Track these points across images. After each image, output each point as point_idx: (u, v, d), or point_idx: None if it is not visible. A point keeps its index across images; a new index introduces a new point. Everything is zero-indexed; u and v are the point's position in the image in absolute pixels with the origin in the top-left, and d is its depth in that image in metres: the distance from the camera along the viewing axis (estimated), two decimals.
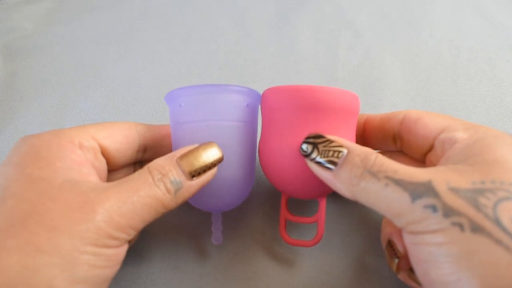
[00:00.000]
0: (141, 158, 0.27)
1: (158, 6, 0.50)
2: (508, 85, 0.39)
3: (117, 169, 0.26)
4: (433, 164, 0.24)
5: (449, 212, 0.17)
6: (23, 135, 0.37)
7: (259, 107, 0.27)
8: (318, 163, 0.22)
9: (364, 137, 0.28)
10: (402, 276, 0.24)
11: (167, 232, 0.29)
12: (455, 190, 0.18)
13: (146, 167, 0.21)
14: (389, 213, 0.19)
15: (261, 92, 0.26)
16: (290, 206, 0.29)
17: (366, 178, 0.20)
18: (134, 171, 0.28)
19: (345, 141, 0.22)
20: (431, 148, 0.24)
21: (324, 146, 0.22)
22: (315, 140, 0.22)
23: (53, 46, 0.45)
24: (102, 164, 0.24)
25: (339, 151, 0.21)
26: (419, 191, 0.18)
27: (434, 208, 0.18)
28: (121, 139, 0.25)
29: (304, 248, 0.28)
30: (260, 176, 0.33)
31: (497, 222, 0.17)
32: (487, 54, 0.42)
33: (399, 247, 0.22)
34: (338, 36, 0.45)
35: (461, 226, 0.17)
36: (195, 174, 0.22)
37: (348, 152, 0.21)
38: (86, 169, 0.21)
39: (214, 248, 0.29)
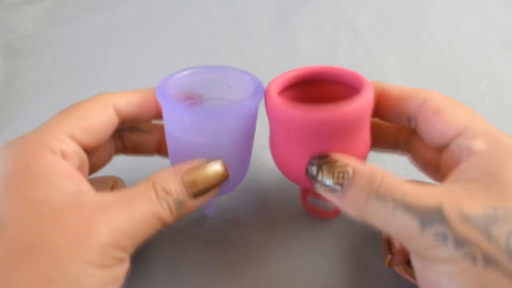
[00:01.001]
0: (119, 128, 0.25)
1: (158, 6, 0.50)
2: (508, 85, 0.39)
3: (98, 154, 0.25)
4: (449, 165, 0.23)
5: (460, 241, 0.17)
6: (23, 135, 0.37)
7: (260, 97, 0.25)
8: (325, 185, 0.21)
9: (378, 111, 0.26)
10: (398, 269, 0.24)
11: (167, 232, 0.29)
12: (466, 217, 0.17)
13: (150, 181, 0.20)
14: (399, 237, 0.19)
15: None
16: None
17: (373, 201, 0.19)
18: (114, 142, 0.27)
19: (350, 160, 0.21)
20: (446, 145, 0.23)
21: (329, 167, 0.21)
22: (320, 161, 0.21)
23: (53, 46, 0.45)
24: (84, 162, 0.23)
25: (344, 171, 0.20)
26: (429, 217, 0.17)
27: (444, 237, 0.17)
28: (100, 127, 0.23)
29: (303, 249, 0.28)
30: (262, 175, 0.33)
31: (511, 254, 0.16)
32: (487, 54, 0.42)
33: (396, 245, 0.22)
34: (338, 36, 0.45)
35: (473, 258, 0.16)
36: (199, 194, 0.21)
37: (354, 173, 0.20)
38: (77, 179, 0.20)
39: (214, 248, 0.29)
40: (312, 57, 0.43)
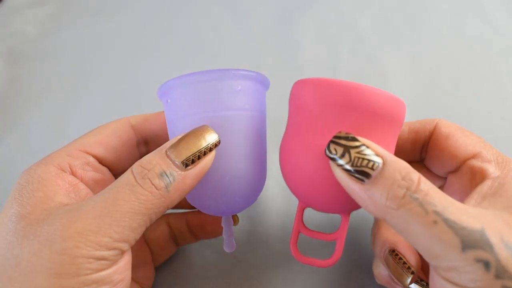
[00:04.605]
0: (145, 152, 0.26)
1: (160, 10, 0.50)
2: (509, 89, 0.39)
3: (124, 170, 0.25)
4: (454, 187, 0.23)
5: (502, 273, 0.16)
6: (25, 140, 0.37)
7: (265, 94, 0.25)
8: (346, 170, 0.18)
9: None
10: (383, 280, 0.23)
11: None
12: (509, 247, 0.16)
13: (130, 167, 0.19)
14: (428, 252, 0.17)
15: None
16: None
17: (410, 205, 0.17)
18: None
19: (382, 149, 0.19)
20: (456, 169, 0.23)
21: (358, 152, 0.18)
22: (348, 143, 0.18)
23: (55, 51, 0.45)
24: (105, 174, 0.23)
25: (375, 161, 0.18)
26: (473, 240, 0.16)
27: (487, 265, 0.16)
28: (114, 141, 0.23)
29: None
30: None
31: None
32: (489, 58, 0.42)
33: (411, 261, 0.21)
34: (340, 40, 0.45)
35: None
36: (188, 162, 0.19)
37: (385, 164, 0.18)
38: (74, 193, 0.20)
39: (217, 253, 0.29)
40: (314, 61, 0.43)
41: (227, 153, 0.21)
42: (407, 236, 0.18)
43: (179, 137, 0.20)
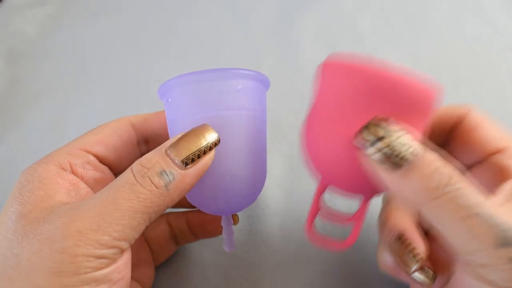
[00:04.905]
0: (146, 151, 0.25)
1: (160, 10, 0.50)
2: (509, 89, 0.39)
3: (125, 169, 0.25)
4: (479, 179, 0.22)
5: None
6: (25, 140, 0.37)
7: (265, 93, 0.25)
8: (382, 155, 0.17)
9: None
10: (387, 267, 0.23)
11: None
12: None
13: (130, 166, 0.19)
14: (461, 247, 0.17)
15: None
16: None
17: (446, 197, 0.16)
18: None
19: (419, 138, 0.18)
20: (481, 161, 0.22)
21: (398, 137, 0.17)
22: (387, 127, 0.18)
23: (55, 51, 0.45)
24: (106, 173, 0.23)
25: (414, 149, 0.17)
26: (509, 237, 0.16)
27: None
28: (115, 140, 0.23)
29: (307, 257, 0.28)
30: None
31: None
32: (489, 58, 0.42)
33: (419, 248, 0.21)
34: (340, 40, 0.45)
35: None
36: (188, 161, 0.19)
37: (424, 153, 0.17)
38: (74, 191, 0.20)
39: (216, 253, 0.29)
40: (314, 61, 0.43)
41: (227, 152, 0.21)
42: (441, 229, 0.17)
43: (179, 136, 0.20)
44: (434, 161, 0.17)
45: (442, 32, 0.45)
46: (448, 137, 0.24)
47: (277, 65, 0.43)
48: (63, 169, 0.21)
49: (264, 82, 0.24)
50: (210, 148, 0.20)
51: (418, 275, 0.21)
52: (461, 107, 0.23)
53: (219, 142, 0.20)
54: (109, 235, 0.17)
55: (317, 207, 0.22)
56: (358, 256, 0.28)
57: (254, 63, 0.43)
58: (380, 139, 0.17)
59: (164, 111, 0.24)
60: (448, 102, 0.38)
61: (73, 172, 0.21)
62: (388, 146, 0.17)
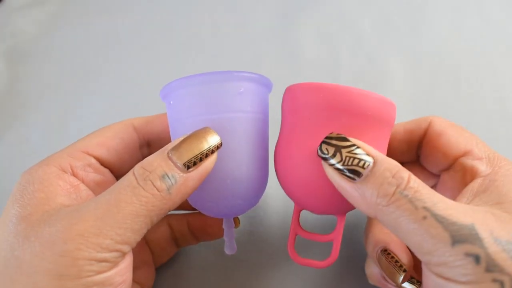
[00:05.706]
0: (148, 153, 0.25)
1: (160, 10, 0.50)
2: (510, 89, 0.39)
3: (126, 172, 0.25)
4: (447, 185, 0.23)
5: (492, 266, 0.16)
6: (25, 140, 0.38)
7: (267, 95, 0.25)
8: (338, 169, 0.19)
9: (388, 149, 0.26)
10: (376, 279, 0.23)
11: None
12: (498, 242, 0.16)
13: (132, 169, 0.19)
14: (418, 248, 0.18)
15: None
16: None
17: (400, 201, 0.17)
18: None
19: (373, 149, 0.19)
20: (449, 167, 0.23)
21: (349, 152, 0.19)
22: (339, 143, 0.19)
23: (56, 51, 0.45)
24: (107, 176, 0.23)
25: (365, 161, 0.18)
26: (463, 235, 0.16)
27: (477, 259, 0.16)
28: (116, 143, 0.23)
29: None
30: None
31: None
32: (489, 59, 0.42)
33: (403, 259, 0.21)
34: (340, 40, 0.45)
35: (501, 285, 0.16)
36: (190, 164, 0.19)
37: (375, 163, 0.18)
38: (75, 194, 0.20)
39: (217, 254, 0.29)
40: (314, 61, 0.43)
41: (229, 155, 0.21)
42: (398, 233, 0.18)
43: (181, 139, 0.20)
44: (386, 170, 0.18)
45: (442, 32, 0.45)
46: (418, 150, 0.25)
47: (277, 65, 0.43)
48: (64, 171, 0.21)
49: (266, 85, 0.24)
50: (212, 151, 0.20)
51: (406, 286, 0.22)
52: (424, 119, 0.24)
53: (221, 145, 0.20)
54: (110, 238, 0.17)
55: (295, 231, 0.24)
56: (358, 256, 0.28)
57: (254, 64, 0.43)
58: (333, 155, 0.19)
59: (166, 113, 0.24)
60: (448, 102, 0.39)
61: (74, 175, 0.21)
62: (340, 161, 0.19)
